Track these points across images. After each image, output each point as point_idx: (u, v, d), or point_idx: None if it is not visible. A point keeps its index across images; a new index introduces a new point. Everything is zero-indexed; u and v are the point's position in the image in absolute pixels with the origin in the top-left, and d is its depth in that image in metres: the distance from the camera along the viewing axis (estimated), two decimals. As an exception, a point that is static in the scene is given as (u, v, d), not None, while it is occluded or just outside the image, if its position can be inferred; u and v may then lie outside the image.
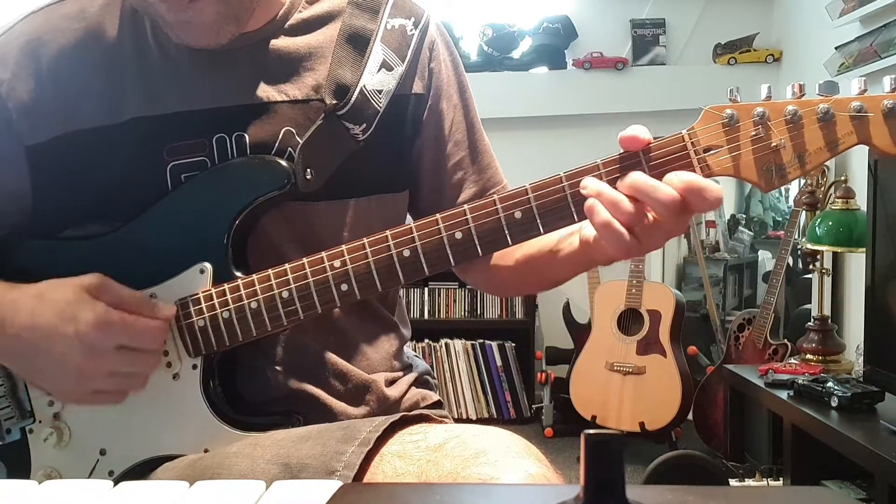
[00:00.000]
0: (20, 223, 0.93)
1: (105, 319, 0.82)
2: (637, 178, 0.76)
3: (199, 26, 0.86)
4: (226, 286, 0.87)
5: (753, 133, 0.76)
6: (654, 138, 0.79)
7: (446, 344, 3.81)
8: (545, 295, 3.66)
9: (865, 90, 0.75)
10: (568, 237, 0.87)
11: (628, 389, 3.00)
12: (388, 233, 0.84)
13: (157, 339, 0.86)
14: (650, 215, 0.76)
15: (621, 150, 0.79)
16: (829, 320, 2.67)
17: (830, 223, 2.52)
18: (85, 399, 0.86)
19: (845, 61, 2.94)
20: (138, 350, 0.84)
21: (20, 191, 0.92)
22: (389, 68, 0.94)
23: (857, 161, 2.77)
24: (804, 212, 2.89)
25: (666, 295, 3.03)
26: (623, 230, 0.75)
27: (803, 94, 0.77)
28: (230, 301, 0.87)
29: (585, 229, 0.83)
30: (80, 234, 0.92)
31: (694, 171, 0.77)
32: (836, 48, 3.00)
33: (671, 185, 0.75)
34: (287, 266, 0.86)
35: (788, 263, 3.08)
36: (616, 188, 0.77)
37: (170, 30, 0.87)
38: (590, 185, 0.78)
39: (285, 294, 0.85)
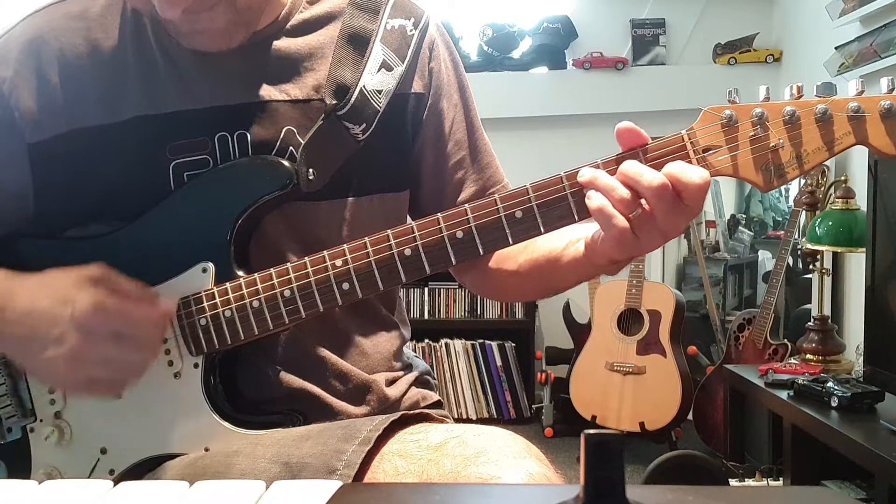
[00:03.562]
0: (22, 222, 0.94)
1: (101, 304, 0.81)
2: (627, 165, 0.76)
3: (211, 34, 0.87)
4: (228, 285, 0.87)
5: (752, 133, 0.77)
6: (654, 138, 0.79)
7: (446, 344, 3.81)
8: (545, 295, 3.66)
9: (863, 91, 0.75)
10: (574, 243, 0.87)
11: (628, 389, 3.00)
12: (389, 232, 0.84)
13: (153, 329, 0.85)
14: (644, 203, 0.76)
15: (621, 150, 0.79)
16: (829, 320, 2.67)
17: (830, 223, 2.52)
18: (81, 387, 0.85)
19: (845, 61, 2.94)
20: (134, 339, 0.83)
21: (22, 189, 0.93)
22: (389, 68, 0.95)
23: (857, 161, 2.77)
24: (804, 212, 2.89)
25: (666, 295, 3.04)
26: (618, 213, 0.75)
27: (801, 95, 0.77)
28: (232, 300, 0.87)
29: (589, 233, 0.83)
30: (83, 233, 0.93)
31: None
32: (836, 48, 3.00)
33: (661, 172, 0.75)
34: (289, 265, 0.86)
35: (788, 263, 3.09)
36: None
37: (181, 38, 0.88)
38: (585, 172, 0.78)
39: (287, 293, 0.86)
